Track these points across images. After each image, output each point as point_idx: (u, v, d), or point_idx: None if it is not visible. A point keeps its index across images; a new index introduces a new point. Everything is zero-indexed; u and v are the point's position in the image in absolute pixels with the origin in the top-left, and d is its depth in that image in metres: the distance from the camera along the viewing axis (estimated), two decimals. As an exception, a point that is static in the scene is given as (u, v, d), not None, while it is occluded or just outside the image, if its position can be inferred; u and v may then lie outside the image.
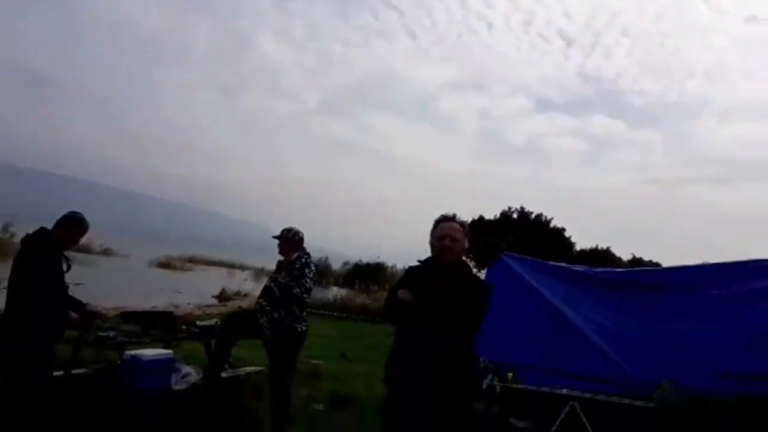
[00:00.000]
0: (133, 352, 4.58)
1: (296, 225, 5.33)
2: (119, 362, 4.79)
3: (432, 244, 3.20)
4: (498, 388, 5.67)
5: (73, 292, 4.40)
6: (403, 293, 3.07)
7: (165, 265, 35.29)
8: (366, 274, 28.96)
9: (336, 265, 33.20)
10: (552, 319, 5.79)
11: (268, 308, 4.98)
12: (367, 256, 31.26)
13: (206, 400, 4.92)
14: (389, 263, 30.40)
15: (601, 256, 28.55)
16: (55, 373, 4.42)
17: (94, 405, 4.30)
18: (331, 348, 10.44)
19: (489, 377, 5.67)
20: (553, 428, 4.99)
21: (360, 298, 20.75)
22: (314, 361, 8.48)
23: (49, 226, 4.24)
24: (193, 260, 42.34)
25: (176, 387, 4.73)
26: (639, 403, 4.98)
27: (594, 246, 31.06)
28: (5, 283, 4.25)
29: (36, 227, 4.25)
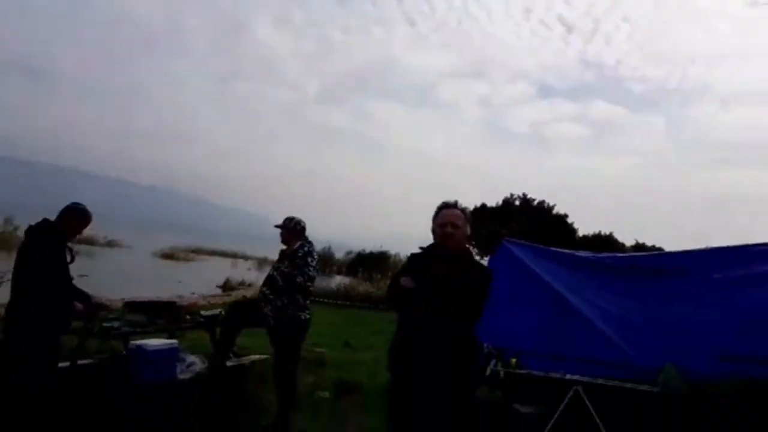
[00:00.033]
0: (137, 342, 4.60)
1: (297, 215, 5.33)
2: (124, 352, 4.82)
3: (434, 231, 3.21)
4: (501, 374, 5.69)
5: (78, 283, 4.43)
6: (405, 280, 3.08)
7: (168, 256, 35.45)
8: (369, 263, 29.07)
9: (339, 255, 33.30)
10: (555, 304, 5.80)
11: (271, 297, 5.00)
12: (370, 245, 31.37)
13: (211, 389, 4.95)
14: (392, 251, 30.48)
15: (604, 242, 28.56)
16: (61, 364, 4.45)
17: (99, 395, 4.33)
18: (335, 336, 10.48)
19: (492, 363, 5.69)
20: (557, 413, 5.01)
21: (363, 287, 20.81)
22: (318, 349, 8.53)
23: (51, 218, 4.26)
24: (197, 251, 42.48)
25: (181, 376, 4.75)
26: (643, 387, 5.00)
27: (597, 232, 31.08)
28: (9, 276, 4.28)
29: (38, 219, 4.26)
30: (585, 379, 5.12)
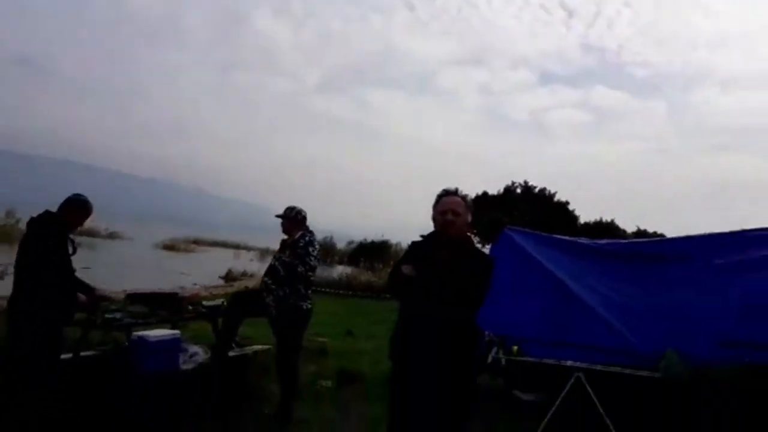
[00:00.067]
0: (140, 333, 4.61)
1: (298, 204, 5.32)
2: (127, 343, 4.83)
3: (434, 218, 3.20)
4: (503, 362, 5.71)
5: (80, 275, 4.44)
6: (406, 268, 3.07)
7: (170, 247, 35.52)
8: (371, 252, 29.11)
9: (340, 244, 33.34)
10: (556, 291, 5.80)
11: (273, 287, 5.00)
12: (371, 235, 31.40)
13: (214, 379, 4.97)
14: (393, 241, 30.52)
15: (605, 229, 28.58)
16: (64, 356, 4.46)
17: (102, 386, 4.34)
18: (337, 325, 10.51)
19: (494, 351, 5.70)
20: (559, 400, 5.02)
21: (365, 276, 20.86)
22: (321, 339, 8.56)
23: (52, 211, 4.26)
24: (198, 242, 42.53)
25: (184, 367, 4.76)
26: (644, 373, 5.01)
27: (598, 219, 31.10)
28: (11, 269, 4.28)
29: (40, 212, 4.26)
30: (586, 365, 5.13)
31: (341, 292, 18.17)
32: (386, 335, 3.23)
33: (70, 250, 4.26)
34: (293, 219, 5.19)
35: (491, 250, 6.51)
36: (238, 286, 15.90)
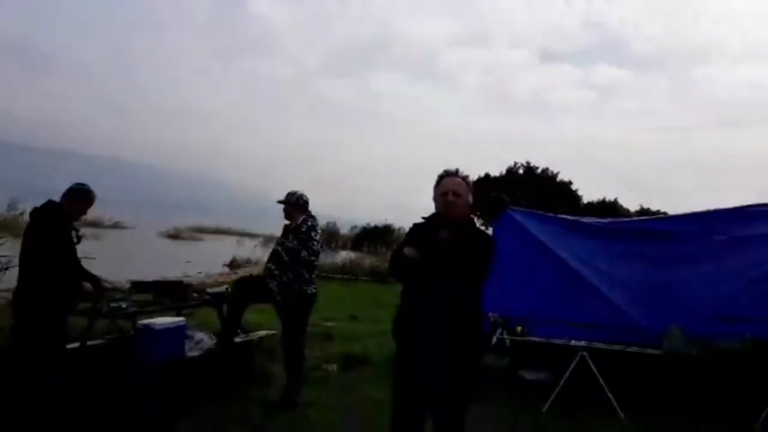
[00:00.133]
0: (145, 322, 4.62)
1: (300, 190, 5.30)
2: (132, 332, 4.85)
3: (435, 200, 3.17)
4: (507, 342, 5.74)
5: (85, 265, 4.45)
6: (409, 250, 3.05)
7: (174, 236, 35.58)
8: (374, 237, 29.16)
9: (344, 230, 33.34)
10: (559, 270, 5.81)
11: (276, 272, 5.00)
12: (374, 220, 31.39)
13: (220, 365, 4.99)
14: (396, 225, 30.50)
15: (609, 208, 28.53)
16: (70, 346, 4.49)
17: (109, 375, 4.36)
18: (341, 310, 10.56)
19: (499, 331, 5.73)
20: (563, 379, 5.05)
21: (369, 261, 20.89)
22: (326, 323, 8.60)
23: (55, 201, 4.26)
24: (202, 230, 42.59)
25: (190, 353, 4.79)
26: (648, 350, 5.03)
27: (601, 198, 31.02)
28: (15, 261, 4.29)
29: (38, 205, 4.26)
30: (590, 344, 5.15)
31: (345, 277, 18.21)
32: (390, 319, 3.23)
33: (75, 240, 4.27)
34: (295, 204, 5.18)
35: (494, 230, 6.51)
36: (242, 273, 15.92)
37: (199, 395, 4.67)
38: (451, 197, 3.08)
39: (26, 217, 4.80)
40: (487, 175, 31.04)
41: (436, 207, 3.18)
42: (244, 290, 5.44)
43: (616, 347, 5.13)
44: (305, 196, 5.24)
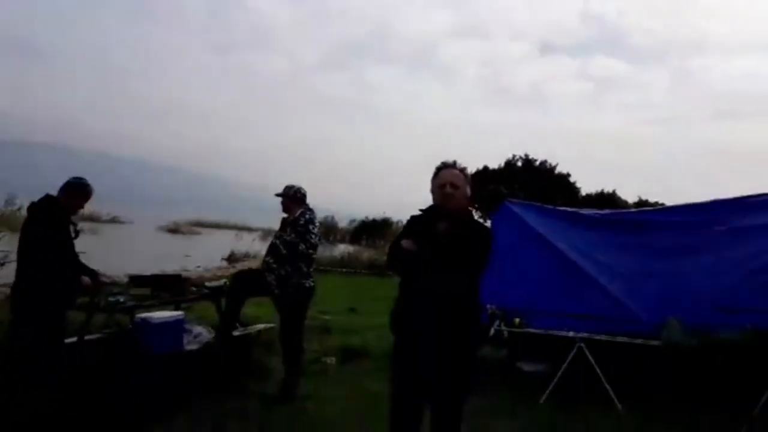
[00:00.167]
0: (143, 315, 4.62)
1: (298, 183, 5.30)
2: (130, 326, 4.85)
3: (433, 192, 3.16)
4: (505, 333, 5.74)
5: (83, 260, 4.43)
6: (406, 243, 3.05)
7: (172, 230, 35.58)
8: (372, 230, 29.13)
9: (342, 223, 33.32)
10: (557, 262, 5.81)
11: (275, 266, 5.00)
12: (373, 213, 31.35)
13: (219, 359, 5.00)
14: (395, 218, 30.45)
15: (607, 200, 28.50)
16: (68, 340, 4.48)
17: (107, 370, 4.35)
18: (340, 303, 10.56)
19: (496, 323, 5.73)
20: (561, 370, 5.06)
21: (367, 254, 20.90)
22: (324, 317, 8.60)
23: (52, 195, 4.25)
24: (200, 224, 42.58)
25: (189, 347, 4.79)
26: (646, 341, 5.03)
27: (600, 190, 31.00)
28: (13, 256, 4.28)
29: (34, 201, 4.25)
30: (588, 335, 5.15)
31: (344, 270, 18.21)
32: (388, 312, 3.23)
33: (72, 234, 4.26)
34: (293, 197, 5.17)
35: (492, 222, 6.51)
36: (241, 267, 15.95)
37: (197, 389, 4.67)
38: (448, 189, 3.07)
39: (24, 212, 4.79)
40: (485, 168, 30.97)
41: (434, 199, 3.17)
42: (242, 284, 5.44)
43: (615, 339, 5.14)
44: (303, 189, 5.23)
